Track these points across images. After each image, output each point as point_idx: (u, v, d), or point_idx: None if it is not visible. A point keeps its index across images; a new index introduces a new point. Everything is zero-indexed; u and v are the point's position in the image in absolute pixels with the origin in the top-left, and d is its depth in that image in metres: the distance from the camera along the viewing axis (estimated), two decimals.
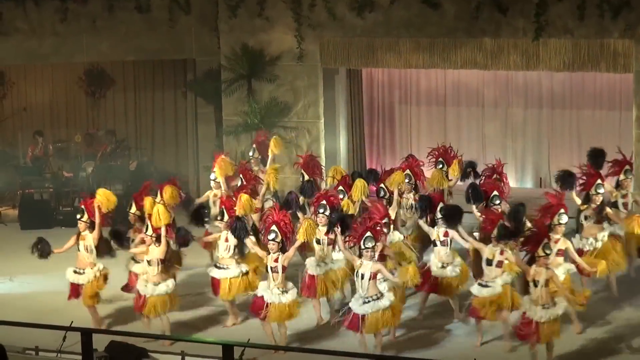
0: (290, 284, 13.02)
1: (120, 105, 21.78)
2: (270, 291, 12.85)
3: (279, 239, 12.83)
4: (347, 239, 12.69)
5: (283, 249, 12.89)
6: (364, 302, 12.26)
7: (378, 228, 12.55)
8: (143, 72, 21.58)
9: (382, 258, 12.76)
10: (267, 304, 12.82)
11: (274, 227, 12.87)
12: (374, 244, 12.34)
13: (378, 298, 12.27)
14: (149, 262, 13.27)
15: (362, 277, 12.32)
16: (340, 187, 14.55)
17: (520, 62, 17.75)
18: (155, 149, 21.55)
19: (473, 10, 17.68)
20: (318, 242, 13.69)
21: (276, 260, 12.84)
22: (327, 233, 13.60)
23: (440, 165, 15.80)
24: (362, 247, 12.34)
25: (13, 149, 20.90)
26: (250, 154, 16.95)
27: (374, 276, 12.29)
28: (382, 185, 14.70)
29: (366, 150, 20.60)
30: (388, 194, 14.54)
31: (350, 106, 20.01)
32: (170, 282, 13.29)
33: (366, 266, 12.33)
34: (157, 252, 13.24)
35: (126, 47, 20.07)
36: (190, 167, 20.97)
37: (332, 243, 13.76)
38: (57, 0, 19.57)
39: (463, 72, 19.43)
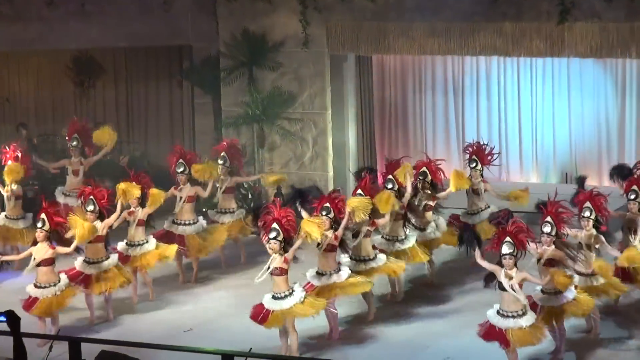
0: (294, 284, 12.65)
1: (111, 95, 21.71)
2: (270, 297, 12.51)
3: (280, 237, 12.40)
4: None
5: (286, 249, 12.45)
6: (505, 317, 11.77)
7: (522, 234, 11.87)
8: (135, 60, 21.48)
9: (551, 264, 12.21)
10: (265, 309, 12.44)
11: (275, 225, 12.42)
12: (512, 251, 11.58)
13: (519, 315, 11.71)
14: (38, 264, 13.62)
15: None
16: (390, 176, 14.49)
17: (544, 47, 17.55)
18: (149, 143, 21.36)
19: None
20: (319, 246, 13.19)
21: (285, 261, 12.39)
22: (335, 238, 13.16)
23: (474, 164, 15.97)
24: (500, 254, 11.76)
25: None
26: (74, 144, 17.55)
27: (519, 287, 11.73)
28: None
29: (377, 143, 20.36)
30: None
31: (360, 96, 19.80)
32: (59, 284, 13.63)
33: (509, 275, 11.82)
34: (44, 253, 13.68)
35: (117, 33, 19.95)
36: None
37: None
38: None
39: (482, 59, 19.30)
